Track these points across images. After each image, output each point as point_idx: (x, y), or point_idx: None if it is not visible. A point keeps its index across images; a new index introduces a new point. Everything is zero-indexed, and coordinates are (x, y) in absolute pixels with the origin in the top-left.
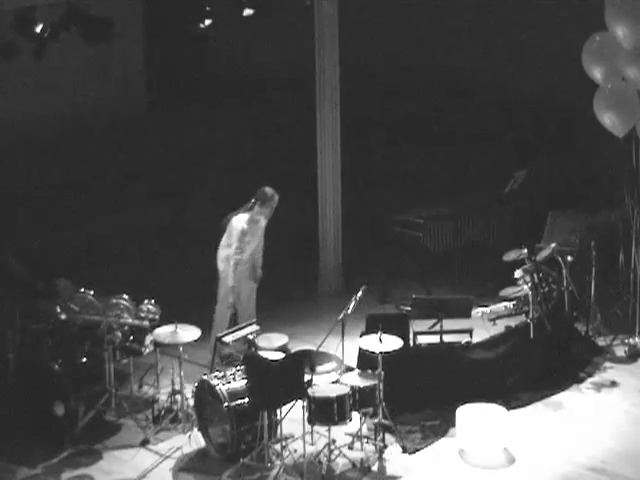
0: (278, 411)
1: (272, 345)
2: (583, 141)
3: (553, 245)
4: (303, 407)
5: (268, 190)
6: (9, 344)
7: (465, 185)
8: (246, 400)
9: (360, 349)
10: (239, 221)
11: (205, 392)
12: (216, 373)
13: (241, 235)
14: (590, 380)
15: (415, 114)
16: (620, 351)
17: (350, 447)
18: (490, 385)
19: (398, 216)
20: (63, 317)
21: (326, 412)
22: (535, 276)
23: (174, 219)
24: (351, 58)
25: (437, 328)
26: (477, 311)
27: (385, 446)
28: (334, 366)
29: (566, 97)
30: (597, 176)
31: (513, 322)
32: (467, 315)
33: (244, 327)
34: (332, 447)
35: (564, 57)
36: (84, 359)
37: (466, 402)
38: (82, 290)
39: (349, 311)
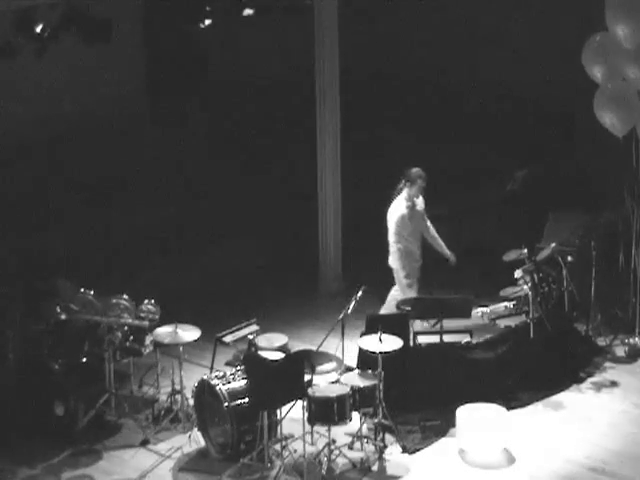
0: (278, 411)
1: (272, 345)
2: (583, 141)
3: (553, 245)
4: (303, 407)
5: (414, 170)
6: (9, 344)
7: (465, 185)
8: (246, 400)
9: (360, 349)
10: (393, 210)
11: (205, 392)
12: (216, 373)
13: (400, 222)
14: (590, 380)
15: (414, 113)
16: (620, 351)
17: (350, 447)
18: (490, 385)
19: None
20: (63, 317)
21: (326, 412)
22: (535, 276)
23: (174, 219)
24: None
25: (437, 328)
26: (477, 311)
27: (385, 446)
28: (334, 366)
29: (566, 96)
30: (597, 176)
31: (513, 322)
32: (467, 315)
33: (244, 327)
34: (332, 447)
35: (565, 55)
36: (84, 359)
37: (466, 402)
38: (82, 290)
39: (349, 311)
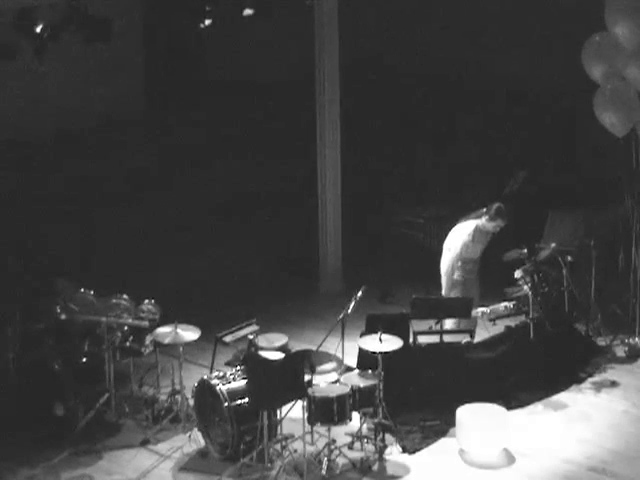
0: (278, 411)
1: (272, 345)
2: (583, 140)
3: (553, 245)
4: (303, 407)
5: (496, 206)
6: (9, 344)
7: (465, 185)
8: (246, 400)
9: (360, 349)
10: (461, 229)
11: (205, 392)
12: (216, 373)
13: (462, 247)
14: (590, 380)
15: (414, 113)
16: (620, 351)
17: (350, 447)
18: (490, 385)
19: (399, 216)
20: (63, 317)
21: (326, 412)
22: (535, 276)
23: (173, 218)
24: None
25: (437, 328)
26: (477, 311)
27: (385, 446)
28: (334, 366)
29: (566, 96)
30: (597, 176)
31: (513, 322)
32: (467, 315)
33: (244, 327)
34: (332, 447)
35: (565, 54)
36: (84, 359)
37: (466, 402)
38: (82, 290)
39: (349, 311)
